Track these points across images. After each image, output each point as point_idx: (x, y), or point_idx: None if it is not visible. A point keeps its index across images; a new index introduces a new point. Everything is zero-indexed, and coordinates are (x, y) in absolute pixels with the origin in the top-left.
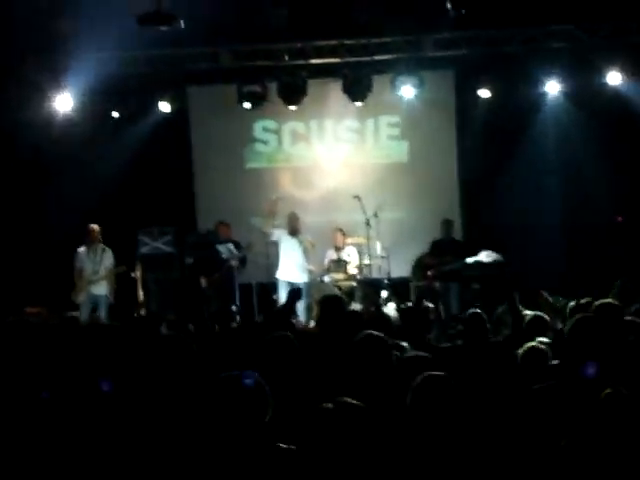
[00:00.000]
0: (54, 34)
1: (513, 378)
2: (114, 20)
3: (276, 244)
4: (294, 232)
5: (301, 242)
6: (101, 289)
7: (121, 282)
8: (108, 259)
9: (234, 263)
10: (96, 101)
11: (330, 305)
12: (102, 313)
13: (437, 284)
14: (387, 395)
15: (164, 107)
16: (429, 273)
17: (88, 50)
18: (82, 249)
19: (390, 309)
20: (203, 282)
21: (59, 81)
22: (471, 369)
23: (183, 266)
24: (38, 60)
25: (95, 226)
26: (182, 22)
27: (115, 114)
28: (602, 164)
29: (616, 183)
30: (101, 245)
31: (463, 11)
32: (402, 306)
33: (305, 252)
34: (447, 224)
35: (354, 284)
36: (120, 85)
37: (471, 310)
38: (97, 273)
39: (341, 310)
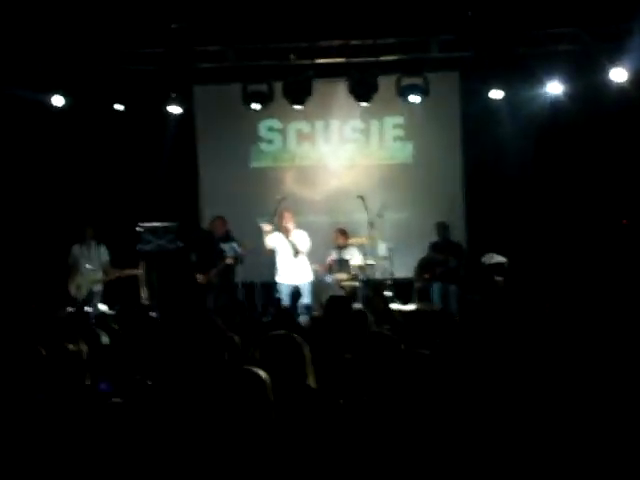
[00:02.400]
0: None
1: None
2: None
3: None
4: (287, 233)
5: (292, 242)
6: (99, 286)
7: (123, 279)
8: (104, 255)
9: (229, 260)
10: (99, 96)
11: (337, 304)
12: (95, 309)
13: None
14: (395, 393)
15: (173, 109)
16: (426, 275)
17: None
18: (76, 246)
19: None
20: (200, 278)
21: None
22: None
23: (187, 263)
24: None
25: (89, 226)
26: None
27: (119, 107)
28: (610, 165)
29: (622, 184)
30: (94, 241)
31: (469, 12)
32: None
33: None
34: (442, 226)
35: (357, 284)
36: (126, 81)
37: None
38: (95, 270)
39: (347, 309)
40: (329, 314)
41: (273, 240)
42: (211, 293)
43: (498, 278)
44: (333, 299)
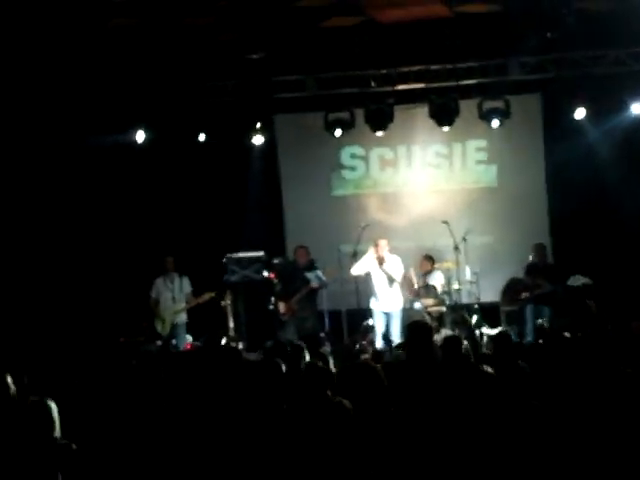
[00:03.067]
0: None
1: None
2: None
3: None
4: (381, 261)
5: (386, 271)
6: (182, 317)
7: (209, 310)
8: (186, 286)
9: (314, 284)
10: (181, 129)
11: (417, 331)
12: (181, 340)
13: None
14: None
15: (256, 140)
16: (523, 295)
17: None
18: (159, 279)
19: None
20: (282, 307)
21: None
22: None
23: (272, 294)
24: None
25: (169, 258)
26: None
27: (202, 139)
28: None
29: None
30: (177, 273)
31: (548, 34)
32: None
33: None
34: (539, 248)
35: (444, 309)
36: (208, 113)
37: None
38: (177, 301)
39: (428, 337)
40: (409, 342)
41: (366, 268)
42: (294, 321)
43: (590, 302)
44: (414, 326)
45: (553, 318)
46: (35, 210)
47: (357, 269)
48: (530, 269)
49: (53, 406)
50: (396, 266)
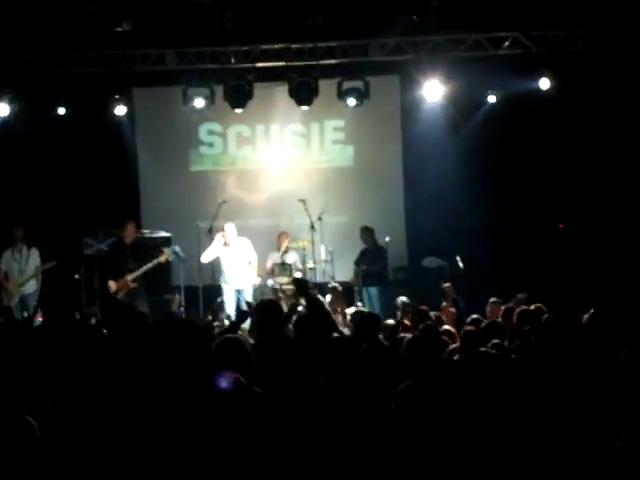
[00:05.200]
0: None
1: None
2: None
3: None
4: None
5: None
6: (30, 288)
7: (63, 283)
8: (34, 258)
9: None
10: (41, 100)
11: (265, 309)
12: (29, 311)
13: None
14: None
15: (119, 110)
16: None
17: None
18: (7, 251)
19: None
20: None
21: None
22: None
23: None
24: None
25: (19, 227)
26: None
27: (61, 111)
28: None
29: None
30: (25, 245)
31: (414, 17)
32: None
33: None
34: (368, 231)
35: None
36: (68, 84)
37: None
38: (24, 272)
39: (277, 314)
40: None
41: (215, 254)
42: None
43: (446, 284)
44: (262, 304)
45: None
46: None
47: (207, 256)
48: (361, 255)
49: None
50: (245, 248)
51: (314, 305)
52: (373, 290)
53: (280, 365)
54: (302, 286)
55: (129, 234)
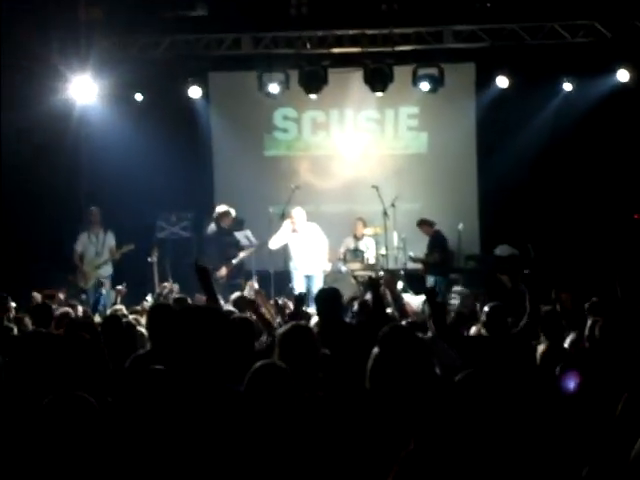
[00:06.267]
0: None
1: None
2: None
3: None
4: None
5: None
6: (106, 271)
7: (136, 265)
8: (110, 240)
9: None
10: (118, 86)
11: (326, 297)
12: (103, 293)
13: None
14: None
15: (194, 93)
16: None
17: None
18: (84, 233)
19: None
20: (222, 272)
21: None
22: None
23: (201, 252)
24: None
25: (95, 209)
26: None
27: (139, 98)
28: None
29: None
30: (101, 228)
31: (488, 4)
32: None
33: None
34: (422, 224)
35: (370, 274)
36: (144, 70)
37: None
38: (100, 255)
39: (337, 302)
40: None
41: (283, 241)
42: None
43: (503, 276)
44: (323, 292)
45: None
46: None
47: (274, 243)
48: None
49: None
50: (315, 233)
51: (379, 305)
52: (434, 279)
53: (340, 351)
54: (374, 285)
55: (229, 221)
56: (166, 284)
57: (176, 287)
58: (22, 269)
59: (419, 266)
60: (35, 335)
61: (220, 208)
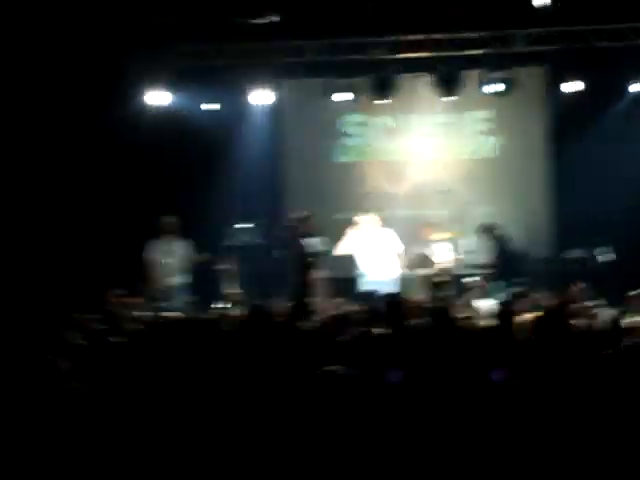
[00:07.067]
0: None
1: None
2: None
3: None
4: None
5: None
6: (178, 279)
7: (207, 273)
8: (185, 249)
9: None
10: (191, 95)
11: (392, 302)
12: (175, 303)
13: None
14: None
15: (260, 99)
16: None
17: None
18: (158, 240)
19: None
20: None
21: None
22: None
23: (270, 258)
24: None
25: (170, 217)
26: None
27: (207, 107)
28: None
29: None
30: (176, 236)
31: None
32: None
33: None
34: (481, 229)
35: (443, 279)
36: (214, 78)
37: None
38: (174, 263)
39: (403, 307)
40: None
41: (350, 246)
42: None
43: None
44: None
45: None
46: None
47: (341, 249)
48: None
49: None
50: (388, 239)
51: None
52: (496, 284)
53: (407, 356)
54: (441, 287)
55: (308, 227)
56: (235, 291)
57: (243, 293)
58: (102, 274)
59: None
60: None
61: (299, 213)
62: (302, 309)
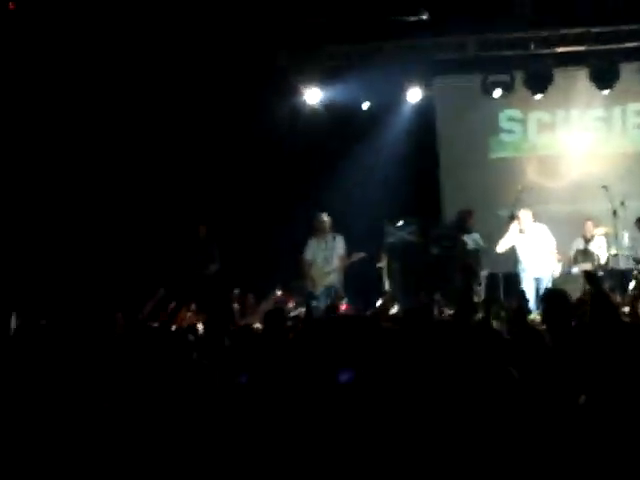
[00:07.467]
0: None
1: None
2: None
3: None
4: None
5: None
6: (335, 277)
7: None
8: (340, 247)
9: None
10: (344, 94)
11: (554, 299)
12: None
13: None
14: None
15: (412, 96)
16: None
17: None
18: (313, 239)
19: None
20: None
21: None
22: None
23: (428, 256)
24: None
25: (324, 215)
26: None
27: (365, 106)
28: None
29: None
30: (331, 234)
31: None
32: None
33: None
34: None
35: (602, 274)
36: (367, 76)
37: None
38: (329, 262)
39: (565, 304)
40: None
41: (510, 242)
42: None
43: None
44: (550, 294)
45: None
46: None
47: (502, 245)
48: None
49: None
50: (543, 234)
51: (599, 299)
52: None
53: (568, 354)
54: (592, 280)
55: (472, 222)
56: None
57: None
58: (259, 275)
59: None
60: None
61: (460, 209)
62: (468, 307)
